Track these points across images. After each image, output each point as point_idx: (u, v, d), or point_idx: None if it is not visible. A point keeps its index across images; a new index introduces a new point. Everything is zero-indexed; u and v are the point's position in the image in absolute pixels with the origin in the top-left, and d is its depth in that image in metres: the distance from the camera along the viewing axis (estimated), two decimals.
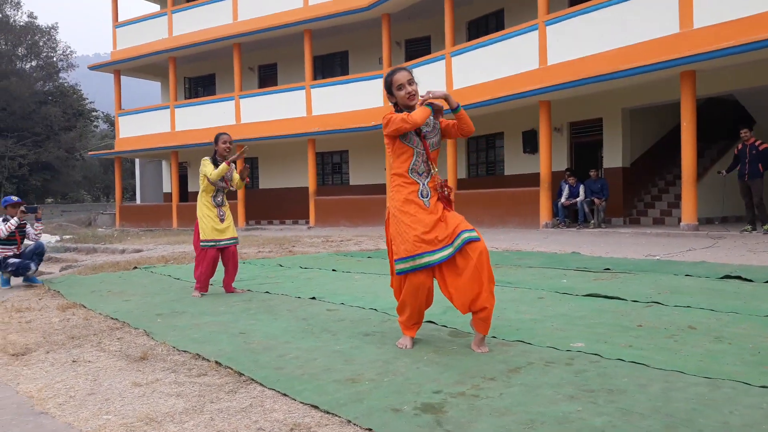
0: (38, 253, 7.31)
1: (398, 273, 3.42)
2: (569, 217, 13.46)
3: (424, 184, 3.47)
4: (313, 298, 5.31)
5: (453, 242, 3.33)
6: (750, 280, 5.30)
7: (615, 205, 13.95)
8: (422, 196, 3.44)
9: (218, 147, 6.00)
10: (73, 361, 3.56)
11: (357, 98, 17.96)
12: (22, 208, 7.02)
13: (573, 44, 12.47)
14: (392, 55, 17.98)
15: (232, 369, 3.17)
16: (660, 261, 7.07)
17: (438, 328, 3.95)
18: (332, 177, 21.59)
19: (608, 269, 6.32)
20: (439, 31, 17.88)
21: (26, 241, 7.39)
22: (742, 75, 11.66)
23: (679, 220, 12.94)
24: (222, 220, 6.00)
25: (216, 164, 6.00)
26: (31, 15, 38.78)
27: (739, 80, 11.88)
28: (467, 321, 4.02)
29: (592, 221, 12.91)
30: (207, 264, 6.00)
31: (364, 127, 17.45)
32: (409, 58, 18.90)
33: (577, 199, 13.07)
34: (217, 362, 3.32)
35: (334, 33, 19.64)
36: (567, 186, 13.41)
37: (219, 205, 6.04)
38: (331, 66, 21.47)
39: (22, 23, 38.06)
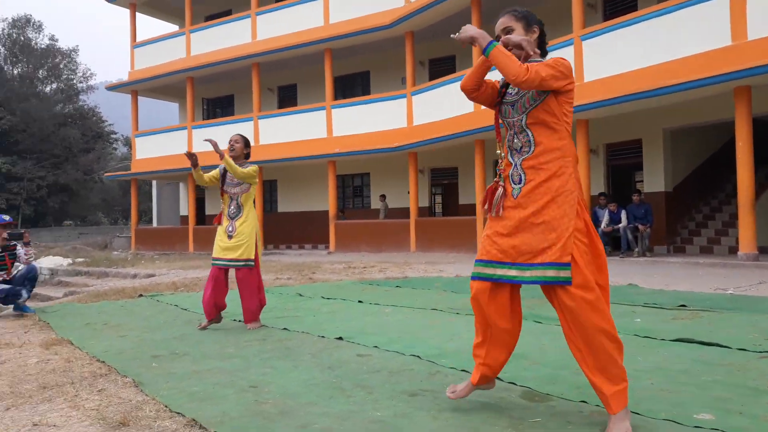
0: (30, 278, 6.56)
1: (472, 277, 2.67)
2: (609, 244, 12.50)
3: (517, 165, 2.60)
4: (340, 338, 4.46)
5: (531, 266, 2.49)
6: None
7: (658, 232, 12.98)
8: (513, 183, 2.60)
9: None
10: (34, 425, 2.75)
11: (379, 119, 17.27)
12: (5, 235, 6.28)
13: (611, 60, 11.67)
14: (416, 75, 17.30)
15: None
16: (735, 296, 6.14)
17: (506, 386, 3.06)
18: (353, 200, 20.84)
19: (684, 306, 5.40)
20: (464, 51, 17.19)
21: (17, 265, 6.66)
22: None
23: (730, 249, 12.00)
24: (230, 237, 5.17)
25: (225, 173, 5.35)
26: (52, 38, 38.97)
27: None
28: (540, 375, 3.16)
29: (636, 249, 11.94)
30: (207, 285, 5.22)
31: (387, 148, 16.70)
32: (432, 77, 18.20)
33: (619, 226, 12.13)
34: None
35: (355, 52, 19.04)
36: (606, 211, 12.49)
37: (231, 218, 5.24)
38: (352, 86, 20.86)
39: (43, 46, 38.24)
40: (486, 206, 2.67)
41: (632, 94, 10.93)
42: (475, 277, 2.63)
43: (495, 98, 2.70)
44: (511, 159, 2.61)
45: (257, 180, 5.38)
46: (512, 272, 2.52)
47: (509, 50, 2.52)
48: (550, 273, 2.43)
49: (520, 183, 2.56)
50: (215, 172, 5.42)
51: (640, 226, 11.89)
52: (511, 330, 2.65)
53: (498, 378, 3.12)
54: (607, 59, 11.74)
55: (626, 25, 11.42)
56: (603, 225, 12.37)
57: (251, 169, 5.28)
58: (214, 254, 5.27)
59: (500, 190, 2.62)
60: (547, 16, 15.48)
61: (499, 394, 2.92)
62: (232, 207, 5.28)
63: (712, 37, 10.09)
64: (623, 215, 12.19)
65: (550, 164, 2.51)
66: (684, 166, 13.79)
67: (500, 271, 2.55)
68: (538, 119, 2.53)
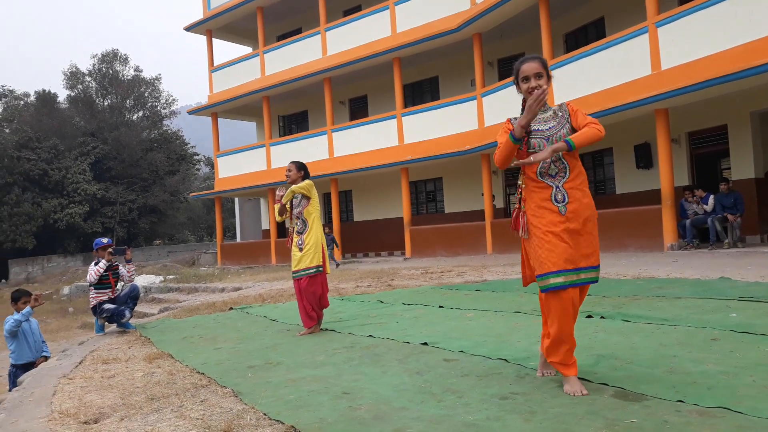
0: (132, 297, 7.00)
1: (545, 290, 2.99)
2: (697, 237, 11.96)
3: (559, 186, 3.05)
4: (425, 343, 4.52)
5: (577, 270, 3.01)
6: None
7: (750, 222, 12.29)
8: (557, 202, 3.03)
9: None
10: None
11: (449, 123, 17.27)
12: (110, 249, 6.75)
13: (689, 45, 11.19)
14: (485, 76, 17.19)
15: None
16: None
17: (597, 387, 3.03)
18: (426, 206, 20.89)
19: None
20: (533, 48, 16.91)
21: (120, 284, 7.12)
22: None
23: None
24: (300, 249, 5.68)
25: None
26: (137, 69, 41.20)
27: None
28: (632, 375, 3.11)
29: (726, 240, 11.36)
30: (298, 298, 5.74)
31: (458, 152, 16.67)
32: (502, 77, 18.03)
33: (705, 209, 11.59)
34: None
35: (423, 59, 19.15)
36: (699, 201, 11.97)
37: (299, 233, 5.75)
38: (421, 93, 20.96)
39: (129, 77, 40.50)
40: (521, 230, 3.16)
41: (715, 78, 10.44)
42: (569, 285, 2.97)
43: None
44: (550, 183, 3.02)
45: (314, 192, 5.83)
46: (582, 275, 3.01)
47: (543, 97, 2.95)
48: (593, 275, 3.02)
49: (563, 202, 3.01)
50: (288, 197, 5.85)
51: (730, 216, 11.32)
52: None
53: (588, 380, 3.10)
54: (685, 44, 11.27)
55: (704, 7, 10.92)
56: (696, 208, 11.88)
57: (305, 183, 5.81)
58: (293, 268, 5.75)
59: (519, 213, 3.15)
60: (618, 4, 15.08)
61: (591, 396, 2.89)
62: (299, 224, 5.78)
63: None
64: (711, 200, 11.64)
65: (583, 185, 3.06)
66: None
67: (583, 275, 3.01)
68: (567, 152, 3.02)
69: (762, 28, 10.00)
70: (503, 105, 15.33)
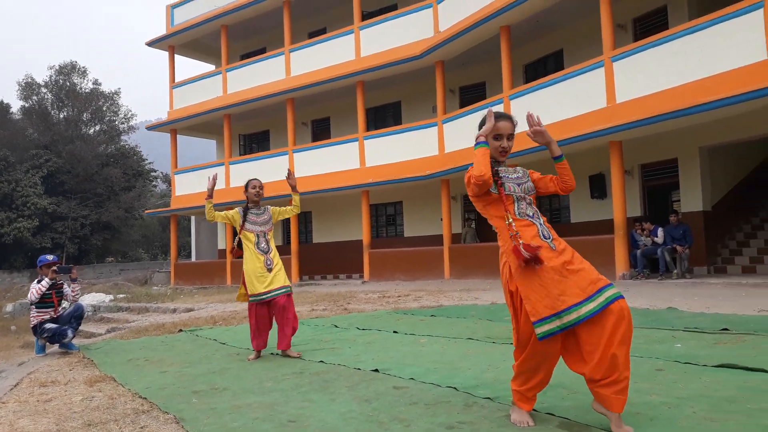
0: (76, 317, 6.76)
1: (542, 338, 2.79)
2: (648, 267, 12.26)
3: (541, 224, 3.01)
4: (376, 370, 4.47)
5: (598, 293, 2.78)
6: None
7: (698, 253, 12.67)
8: (544, 238, 2.95)
9: (248, 193, 5.70)
10: None
11: (411, 148, 17.40)
12: (54, 268, 6.52)
13: (643, 80, 11.58)
14: (447, 103, 17.43)
15: None
16: None
17: (543, 417, 3.04)
18: (386, 229, 20.91)
19: (726, 329, 5.26)
20: (494, 77, 17.27)
21: (65, 303, 6.87)
22: None
23: None
24: (270, 269, 5.42)
25: (246, 212, 5.63)
26: (95, 82, 40.40)
27: None
28: (578, 405, 3.12)
29: (675, 271, 11.68)
30: (252, 322, 5.49)
31: (419, 176, 16.80)
32: (463, 104, 18.31)
33: (656, 239, 11.92)
34: None
35: (386, 84, 19.32)
36: (648, 232, 12.29)
37: (265, 252, 5.49)
38: (384, 117, 21.12)
39: (87, 90, 39.68)
40: (531, 262, 2.87)
41: (667, 113, 10.81)
42: (551, 334, 2.79)
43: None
44: (533, 221, 3.00)
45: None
46: (590, 306, 2.77)
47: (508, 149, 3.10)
48: (612, 292, 2.79)
49: (549, 238, 2.96)
50: (233, 213, 5.67)
51: (678, 247, 11.64)
52: None
53: (535, 410, 3.10)
54: (639, 79, 11.66)
55: (658, 44, 11.34)
56: (645, 240, 12.18)
57: (280, 208, 5.90)
58: (257, 291, 5.42)
59: (520, 245, 2.91)
60: (576, 38, 15.53)
61: (537, 427, 2.89)
62: (263, 243, 5.56)
63: (747, 52, 9.94)
64: (660, 232, 11.97)
65: (561, 182, 3.12)
66: (722, 184, 13.51)
67: (584, 310, 2.77)
68: (533, 200, 3.13)
69: (712, 67, 10.41)
70: (464, 132, 15.53)
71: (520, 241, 2.87)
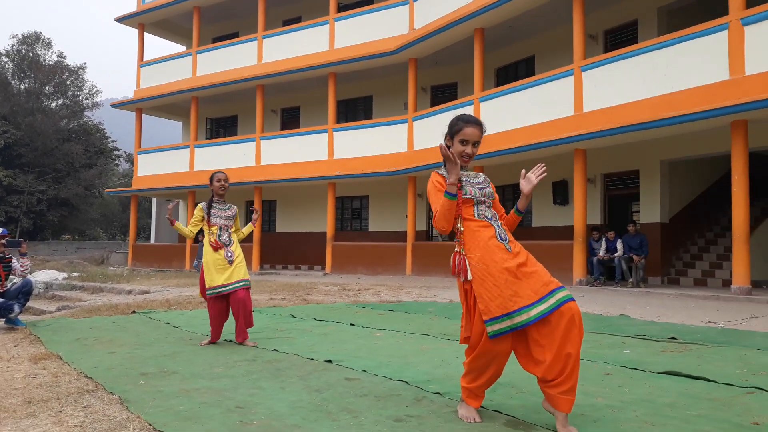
0: (24, 292, 6.56)
1: (492, 336, 2.83)
2: (604, 274, 12.52)
3: (499, 227, 3.04)
4: (329, 361, 4.46)
5: (550, 295, 2.83)
6: None
7: (653, 263, 13.00)
8: (501, 239, 2.97)
9: (213, 186, 5.57)
10: None
11: (380, 143, 17.40)
12: (3, 241, 6.32)
13: (612, 90, 11.80)
14: (418, 101, 17.46)
15: None
16: (726, 330, 6.14)
17: (491, 414, 3.07)
18: (351, 222, 20.88)
19: (674, 338, 5.40)
20: (465, 78, 17.39)
21: (12, 278, 6.67)
22: None
23: (724, 282, 12.02)
24: (230, 262, 5.35)
25: (210, 206, 5.55)
26: (60, 54, 39.32)
27: None
28: (525, 404, 3.16)
29: (630, 280, 11.96)
30: (212, 314, 5.43)
31: (387, 172, 16.81)
32: (434, 103, 18.37)
33: (615, 255, 12.15)
34: None
35: (358, 77, 19.26)
36: (604, 240, 12.53)
37: (226, 245, 5.42)
38: (355, 110, 21.06)
39: (51, 62, 38.55)
40: (462, 274, 2.96)
41: (631, 125, 11.05)
42: (501, 333, 2.83)
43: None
44: (491, 222, 3.03)
45: None
46: (541, 307, 2.81)
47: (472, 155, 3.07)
48: (563, 294, 2.85)
49: (506, 240, 2.99)
50: (197, 217, 5.58)
51: (635, 257, 11.92)
52: None
53: (483, 407, 3.14)
54: (607, 90, 11.88)
55: (626, 57, 11.57)
56: (601, 253, 12.41)
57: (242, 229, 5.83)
58: (216, 283, 5.35)
59: (459, 257, 2.98)
60: (549, 45, 15.73)
61: (484, 423, 2.92)
62: (225, 236, 5.49)
63: (710, 71, 10.22)
64: (619, 244, 12.22)
65: (507, 226, 3.14)
66: (680, 198, 13.87)
67: (534, 312, 2.81)
68: (494, 205, 3.15)
69: (677, 83, 10.66)
70: (433, 131, 15.60)
71: (462, 254, 2.96)
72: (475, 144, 3.04)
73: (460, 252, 2.97)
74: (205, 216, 5.53)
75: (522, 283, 2.84)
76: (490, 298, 2.83)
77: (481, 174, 3.22)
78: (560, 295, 2.83)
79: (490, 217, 3.05)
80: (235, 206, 5.73)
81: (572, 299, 2.84)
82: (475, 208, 3.03)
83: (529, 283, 2.84)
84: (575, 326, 2.78)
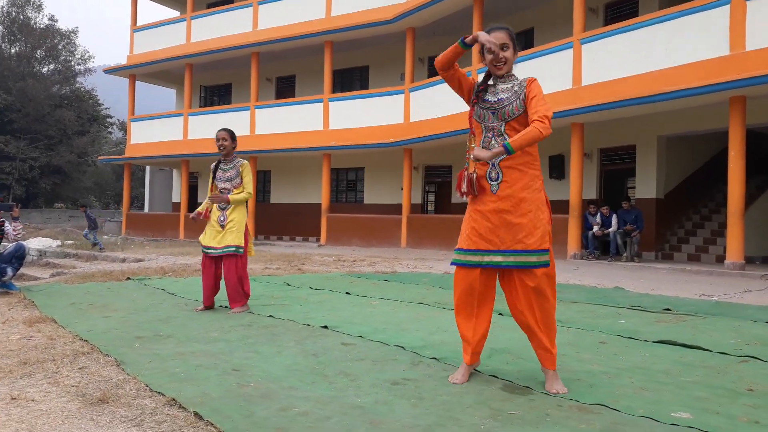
0: (18, 256, 6.52)
1: (452, 263, 3.00)
2: (599, 248, 12.56)
3: (495, 165, 2.93)
4: (325, 327, 4.46)
5: (515, 252, 2.86)
6: None
7: (647, 239, 13.04)
8: (491, 180, 2.93)
9: (216, 145, 5.41)
10: (12, 399, 2.73)
11: (376, 114, 17.25)
12: None
13: (610, 64, 11.69)
14: (415, 72, 17.29)
15: (215, 427, 2.34)
16: (720, 303, 6.18)
17: (487, 379, 3.08)
18: (346, 194, 20.81)
19: (668, 310, 5.43)
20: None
21: (5, 243, 6.62)
22: None
23: (717, 257, 12.08)
24: (222, 226, 5.31)
25: (217, 167, 5.49)
26: (51, 18, 38.62)
27: None
28: (522, 369, 3.18)
29: (625, 254, 12.00)
30: (203, 274, 5.44)
31: (383, 143, 16.71)
32: (431, 74, 18.18)
33: (610, 230, 12.18)
34: (196, 414, 2.48)
35: (355, 46, 19.02)
36: (599, 215, 12.55)
37: (222, 209, 5.38)
38: (350, 80, 20.84)
39: (42, 26, 37.90)
40: (465, 189, 2.96)
41: (629, 99, 10.97)
42: (465, 264, 2.93)
43: (466, 92, 3.05)
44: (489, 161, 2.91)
45: (249, 171, 5.47)
46: (497, 258, 2.87)
47: (501, 58, 2.93)
48: (533, 259, 2.83)
49: (497, 180, 2.91)
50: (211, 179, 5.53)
51: (629, 226, 11.95)
52: (491, 310, 3.08)
53: (478, 371, 3.15)
54: (606, 64, 11.77)
55: (626, 31, 11.45)
56: (596, 228, 12.43)
57: (246, 168, 5.43)
58: (205, 243, 5.38)
59: (474, 174, 2.95)
60: (549, 17, 15.54)
61: (479, 386, 2.93)
62: None
63: (710, 46, 10.13)
64: (614, 219, 12.25)
65: (524, 166, 2.91)
66: (676, 173, 13.86)
67: (487, 258, 2.89)
68: (514, 127, 2.91)
69: (676, 57, 10.57)
70: (430, 102, 15.48)
71: (467, 173, 2.95)
72: (504, 47, 2.94)
73: (466, 169, 3.01)
74: (211, 178, 5.50)
75: (491, 227, 2.88)
76: (463, 230, 2.99)
77: (515, 79, 3.00)
78: (531, 258, 2.83)
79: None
80: (240, 161, 5.41)
81: (543, 265, 2.84)
82: (483, 135, 2.98)
83: (500, 232, 2.87)
84: (535, 292, 2.83)
